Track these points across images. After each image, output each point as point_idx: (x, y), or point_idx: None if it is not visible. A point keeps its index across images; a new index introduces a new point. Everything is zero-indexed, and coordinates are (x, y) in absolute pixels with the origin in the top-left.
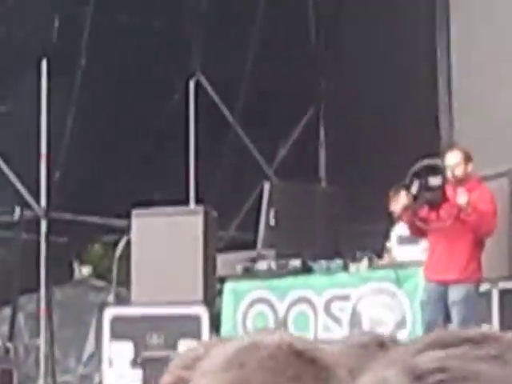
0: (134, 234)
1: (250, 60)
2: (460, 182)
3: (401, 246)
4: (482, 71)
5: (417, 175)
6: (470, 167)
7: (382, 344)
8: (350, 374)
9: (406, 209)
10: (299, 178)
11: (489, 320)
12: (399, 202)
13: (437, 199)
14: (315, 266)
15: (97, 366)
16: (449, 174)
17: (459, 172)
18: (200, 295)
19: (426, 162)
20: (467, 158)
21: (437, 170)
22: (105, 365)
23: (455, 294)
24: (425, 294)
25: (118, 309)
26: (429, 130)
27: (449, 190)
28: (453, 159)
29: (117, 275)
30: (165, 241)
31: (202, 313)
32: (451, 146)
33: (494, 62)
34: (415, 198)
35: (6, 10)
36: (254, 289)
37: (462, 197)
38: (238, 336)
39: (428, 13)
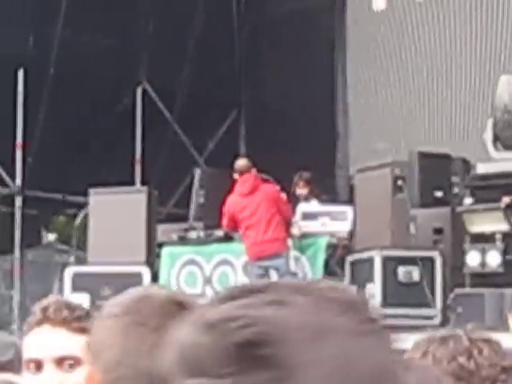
0: (91, 208)
1: (186, 73)
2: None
3: (303, 221)
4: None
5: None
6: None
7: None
8: None
9: None
10: (223, 165)
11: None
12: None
13: None
14: (235, 235)
15: None
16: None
17: None
18: (143, 257)
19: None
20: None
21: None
22: None
23: None
24: None
25: (78, 267)
26: (325, 129)
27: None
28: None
29: (76, 241)
30: (116, 214)
31: (144, 271)
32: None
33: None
34: None
35: None
36: (186, 253)
37: None
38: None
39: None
